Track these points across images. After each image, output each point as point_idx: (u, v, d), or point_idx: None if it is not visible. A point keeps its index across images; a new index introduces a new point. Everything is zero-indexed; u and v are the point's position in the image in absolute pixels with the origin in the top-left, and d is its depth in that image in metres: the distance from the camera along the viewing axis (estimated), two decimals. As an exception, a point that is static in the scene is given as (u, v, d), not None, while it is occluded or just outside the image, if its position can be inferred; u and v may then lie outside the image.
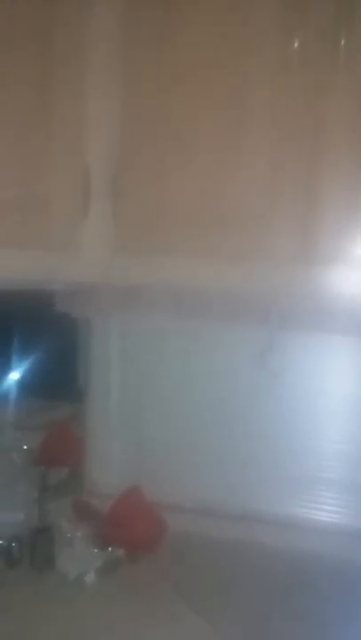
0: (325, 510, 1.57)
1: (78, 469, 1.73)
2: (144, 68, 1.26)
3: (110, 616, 1.31)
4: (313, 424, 1.56)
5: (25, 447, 1.70)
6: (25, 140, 1.22)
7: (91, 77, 1.25)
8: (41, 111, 1.23)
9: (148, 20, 1.25)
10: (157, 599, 1.36)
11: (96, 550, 1.45)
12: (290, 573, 1.45)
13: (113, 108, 1.26)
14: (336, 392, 1.55)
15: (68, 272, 1.30)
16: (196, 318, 1.49)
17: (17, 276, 1.24)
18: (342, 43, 1.18)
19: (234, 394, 1.59)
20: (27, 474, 1.61)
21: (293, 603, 1.35)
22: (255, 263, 1.25)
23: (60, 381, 1.76)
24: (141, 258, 1.29)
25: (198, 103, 1.25)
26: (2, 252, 1.20)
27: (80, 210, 1.27)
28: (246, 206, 1.25)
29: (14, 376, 1.73)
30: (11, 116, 1.20)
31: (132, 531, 1.50)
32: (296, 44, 1.19)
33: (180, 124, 1.26)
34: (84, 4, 1.24)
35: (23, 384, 1.73)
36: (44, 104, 1.23)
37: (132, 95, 1.26)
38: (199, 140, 1.25)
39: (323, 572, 1.44)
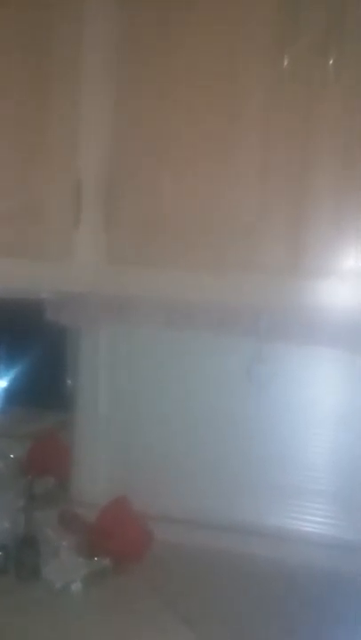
0: (314, 522, 1.58)
1: (65, 479, 1.72)
2: (137, 81, 1.27)
3: (96, 626, 1.31)
4: (301, 435, 1.57)
5: (12, 456, 1.70)
6: (18, 151, 1.23)
7: (85, 89, 1.26)
8: (34, 123, 1.24)
9: (143, 33, 1.26)
10: (144, 609, 1.36)
11: (82, 560, 1.44)
12: (279, 584, 1.45)
13: (106, 120, 1.27)
14: (323, 403, 1.56)
15: (60, 281, 1.30)
16: (186, 329, 1.49)
17: (10, 285, 1.24)
18: (333, 57, 1.19)
19: (222, 404, 1.60)
20: (13, 483, 1.60)
21: (283, 614, 1.35)
22: (245, 275, 1.26)
23: (47, 390, 1.76)
24: (132, 268, 1.30)
25: (190, 116, 1.26)
26: None
27: (72, 220, 1.27)
28: (236, 219, 1.26)
29: (2, 384, 1.73)
30: (5, 129, 1.20)
31: (119, 540, 1.50)
32: (288, 58, 1.21)
33: (173, 137, 1.27)
34: (79, 17, 1.25)
35: (11, 392, 1.73)
36: (37, 116, 1.24)
37: (125, 107, 1.27)
38: (191, 152, 1.26)
39: (312, 584, 1.44)
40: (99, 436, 1.70)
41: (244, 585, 1.45)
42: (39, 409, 1.79)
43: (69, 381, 1.75)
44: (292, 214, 1.24)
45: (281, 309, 1.38)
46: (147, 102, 1.27)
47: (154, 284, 1.30)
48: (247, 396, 1.56)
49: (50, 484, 1.67)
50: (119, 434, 1.69)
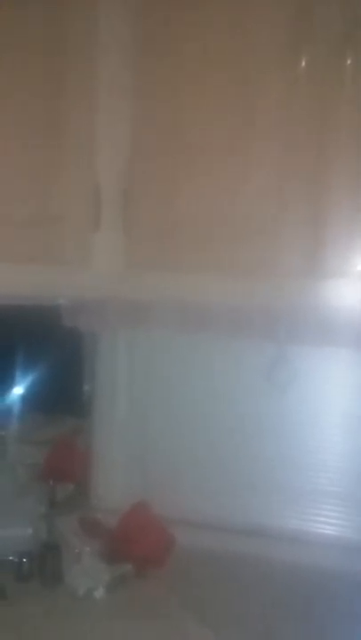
0: (334, 524, 1.57)
1: (83, 484, 1.72)
2: (153, 85, 1.27)
3: (120, 631, 1.31)
4: (319, 438, 1.57)
5: (30, 462, 1.70)
6: (38, 157, 1.23)
7: (102, 96, 1.27)
8: (53, 129, 1.24)
9: (157, 39, 1.26)
10: (166, 614, 1.36)
11: (104, 566, 1.44)
12: (297, 587, 1.44)
13: (123, 126, 1.27)
14: (342, 406, 1.55)
15: (79, 287, 1.30)
16: (204, 332, 1.49)
17: (28, 291, 1.24)
18: (349, 58, 1.19)
19: (240, 408, 1.59)
20: (32, 489, 1.61)
21: (300, 617, 1.35)
22: (263, 278, 1.26)
23: (65, 396, 1.76)
24: (151, 272, 1.30)
25: (207, 119, 1.26)
26: (16, 268, 1.21)
27: (91, 226, 1.27)
28: (254, 221, 1.26)
29: (20, 390, 1.73)
30: (24, 136, 1.21)
31: (140, 546, 1.50)
32: (305, 60, 1.21)
33: (190, 141, 1.27)
34: (94, 22, 1.25)
35: (29, 398, 1.73)
36: (55, 123, 1.24)
37: (141, 112, 1.28)
38: (208, 156, 1.26)
39: (329, 586, 1.44)
40: (117, 440, 1.70)
41: (264, 588, 1.44)
42: (57, 415, 1.79)
43: (87, 387, 1.75)
44: (309, 216, 1.24)
45: (300, 311, 1.37)
46: (163, 107, 1.27)
47: (172, 288, 1.30)
48: (267, 398, 1.56)
49: (69, 489, 1.67)
50: (137, 438, 1.68)
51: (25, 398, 1.74)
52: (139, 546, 1.49)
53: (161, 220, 1.29)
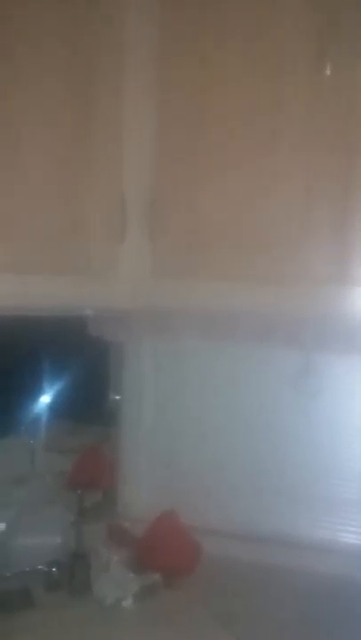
0: (363, 534, 1.56)
1: (111, 493, 1.72)
2: (178, 95, 1.28)
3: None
4: (347, 446, 1.55)
5: (58, 470, 1.71)
6: (63, 168, 1.24)
7: (127, 106, 1.28)
8: (80, 142, 1.25)
9: (182, 49, 1.27)
10: (194, 624, 1.35)
11: (132, 575, 1.44)
12: (326, 597, 1.43)
13: (149, 135, 1.28)
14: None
15: (105, 296, 1.31)
16: (230, 340, 1.49)
17: (55, 301, 1.25)
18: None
19: (268, 416, 1.58)
20: (61, 497, 1.61)
21: (329, 626, 1.34)
22: (290, 285, 1.25)
23: (92, 404, 1.76)
24: (177, 281, 1.30)
25: (232, 127, 1.26)
26: (44, 279, 1.22)
27: (117, 235, 1.28)
28: (281, 228, 1.25)
29: (48, 399, 1.75)
30: (49, 146, 1.22)
31: (168, 555, 1.49)
32: (331, 63, 1.20)
33: (215, 149, 1.27)
34: (119, 31, 1.26)
35: (56, 407, 1.74)
36: (81, 133, 1.25)
37: (167, 122, 1.28)
38: (234, 164, 1.27)
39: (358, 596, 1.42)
40: (143, 449, 1.71)
41: (292, 598, 1.43)
42: (84, 423, 1.80)
43: (113, 395, 1.76)
44: (336, 223, 1.23)
45: (327, 319, 1.36)
46: (188, 118, 1.27)
47: (199, 297, 1.30)
48: (294, 407, 1.55)
49: (97, 498, 1.67)
50: (164, 447, 1.68)
51: (52, 407, 1.75)
52: (166, 555, 1.49)
53: (187, 229, 1.29)
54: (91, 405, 1.76)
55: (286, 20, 1.21)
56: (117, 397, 1.75)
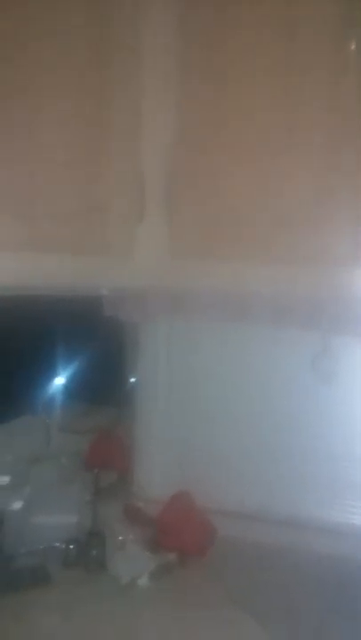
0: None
1: (126, 473, 1.74)
2: (198, 74, 1.26)
3: (163, 618, 1.32)
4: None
5: (73, 450, 1.72)
6: (82, 149, 1.24)
7: (146, 87, 1.27)
8: (96, 121, 1.24)
9: (202, 28, 1.25)
10: (208, 603, 1.37)
11: (148, 554, 1.45)
12: (338, 578, 1.44)
13: (167, 116, 1.27)
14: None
15: (123, 277, 1.31)
16: (247, 322, 1.49)
17: (74, 281, 1.25)
18: None
19: (283, 398, 1.58)
20: (76, 477, 1.62)
21: (342, 607, 1.35)
22: (307, 266, 1.25)
23: (107, 386, 1.77)
24: (195, 261, 1.30)
25: (252, 107, 1.25)
26: (61, 259, 1.22)
27: (135, 216, 1.28)
28: (299, 210, 1.25)
29: (63, 380, 1.76)
30: (67, 128, 1.21)
31: (183, 535, 1.50)
32: (351, 56, 1.19)
33: (234, 130, 1.26)
34: (140, 15, 1.25)
35: (71, 388, 1.76)
36: (99, 114, 1.24)
37: (186, 101, 1.27)
38: (253, 145, 1.26)
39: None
40: (158, 430, 1.71)
41: (304, 579, 1.44)
42: (99, 405, 1.81)
43: (128, 377, 1.76)
44: (355, 205, 1.22)
45: (344, 301, 1.35)
46: (207, 98, 1.26)
47: (216, 277, 1.30)
48: (310, 389, 1.54)
49: (112, 478, 1.69)
50: (179, 429, 1.69)
51: (67, 387, 1.76)
52: (180, 535, 1.50)
53: (205, 210, 1.28)
54: (105, 386, 1.77)
55: (311, 16, 1.20)
56: (132, 379, 1.75)
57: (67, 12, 1.20)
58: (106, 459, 1.73)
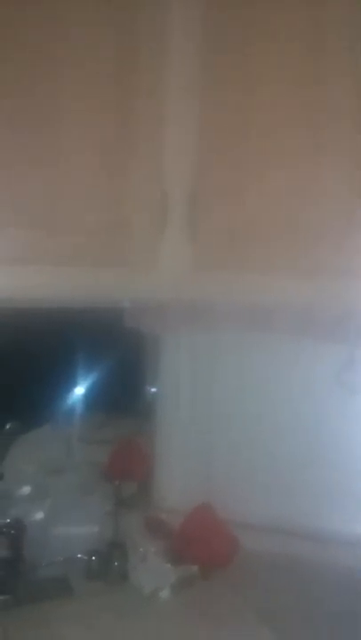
0: None
1: (147, 484, 1.73)
2: (221, 88, 1.27)
3: (185, 631, 1.32)
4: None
5: (94, 461, 1.72)
6: (105, 164, 1.24)
7: (169, 102, 1.27)
8: (121, 135, 1.25)
9: (225, 44, 1.26)
10: (230, 616, 1.36)
11: (170, 566, 1.45)
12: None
13: (190, 131, 1.27)
14: None
15: (146, 290, 1.31)
16: (271, 334, 1.48)
17: (97, 295, 1.26)
18: None
19: (307, 410, 1.57)
20: (97, 488, 1.62)
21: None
22: (332, 280, 1.25)
23: (128, 396, 1.77)
24: (217, 275, 1.30)
25: (275, 121, 1.25)
26: (85, 272, 1.23)
27: (158, 230, 1.28)
28: (324, 222, 1.25)
29: (84, 391, 1.76)
30: (91, 143, 1.23)
31: (205, 548, 1.50)
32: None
33: (258, 142, 1.27)
34: (163, 37, 1.25)
35: (92, 399, 1.76)
36: (123, 129, 1.25)
37: (209, 115, 1.28)
38: (276, 158, 1.26)
39: None
40: (179, 441, 1.71)
41: (328, 592, 1.42)
42: (120, 415, 1.81)
43: (150, 387, 1.76)
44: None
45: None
46: (231, 110, 1.27)
47: (239, 290, 1.30)
48: (336, 400, 1.53)
49: (133, 489, 1.68)
50: (200, 439, 1.68)
51: (88, 398, 1.76)
52: (203, 547, 1.50)
53: (228, 222, 1.29)
54: (127, 397, 1.77)
55: (333, 11, 1.20)
56: (153, 389, 1.75)
57: (92, 40, 1.21)
58: (126, 469, 1.72)
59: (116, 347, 1.69)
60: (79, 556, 1.44)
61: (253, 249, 1.28)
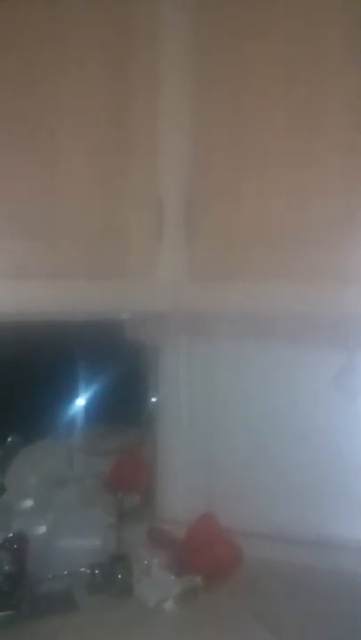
0: None
1: (149, 495, 1.73)
2: (216, 95, 1.28)
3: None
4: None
5: (96, 473, 1.71)
6: (100, 172, 1.25)
7: (163, 109, 1.28)
8: (115, 144, 1.26)
9: (219, 45, 1.26)
10: (235, 626, 1.35)
11: (173, 578, 1.44)
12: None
13: (185, 138, 1.28)
14: None
15: (143, 300, 1.31)
16: (269, 341, 1.48)
17: (93, 305, 1.26)
18: None
19: (308, 416, 1.57)
20: (99, 500, 1.62)
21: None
22: (330, 285, 1.24)
23: (128, 407, 1.77)
24: (214, 284, 1.30)
25: (270, 128, 1.25)
26: (81, 283, 1.23)
27: (154, 239, 1.28)
28: (320, 228, 1.24)
29: (85, 402, 1.76)
30: (86, 151, 1.23)
31: (207, 558, 1.49)
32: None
33: (252, 150, 1.27)
34: (156, 39, 1.26)
35: (93, 411, 1.76)
36: (117, 137, 1.26)
37: (204, 123, 1.28)
38: (271, 165, 1.26)
39: None
40: (181, 451, 1.70)
41: (333, 600, 1.41)
42: (121, 426, 1.80)
43: (150, 398, 1.76)
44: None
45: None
46: (225, 118, 1.27)
47: (237, 298, 1.30)
48: (335, 407, 1.53)
49: (135, 500, 1.68)
50: (201, 449, 1.68)
51: (89, 409, 1.76)
52: (207, 557, 1.49)
53: (224, 231, 1.29)
54: (127, 408, 1.77)
55: (331, 23, 1.20)
56: (154, 400, 1.75)
57: (85, 46, 1.22)
58: (128, 481, 1.72)
59: (115, 358, 1.69)
60: (82, 569, 1.43)
61: (251, 256, 1.27)
